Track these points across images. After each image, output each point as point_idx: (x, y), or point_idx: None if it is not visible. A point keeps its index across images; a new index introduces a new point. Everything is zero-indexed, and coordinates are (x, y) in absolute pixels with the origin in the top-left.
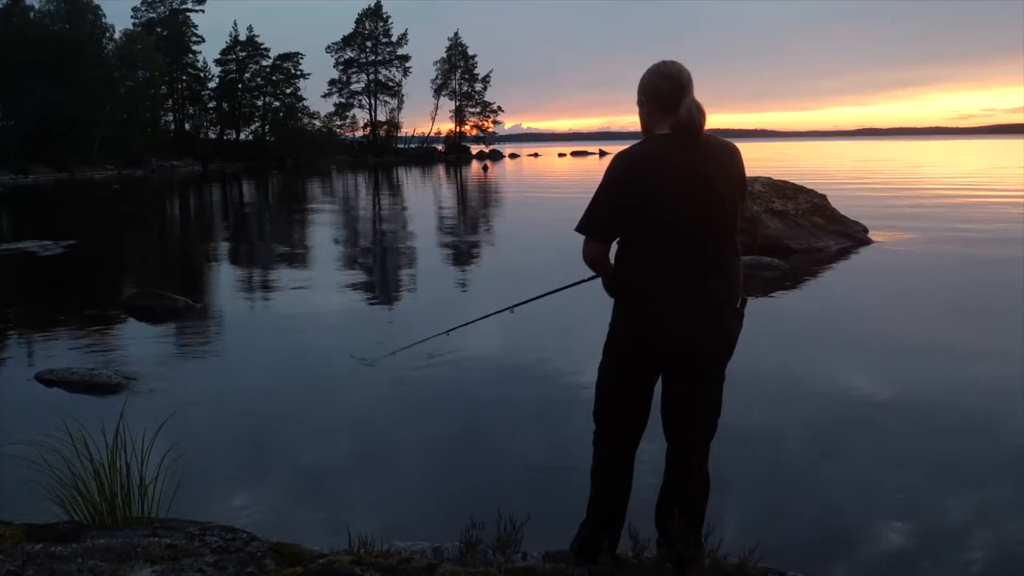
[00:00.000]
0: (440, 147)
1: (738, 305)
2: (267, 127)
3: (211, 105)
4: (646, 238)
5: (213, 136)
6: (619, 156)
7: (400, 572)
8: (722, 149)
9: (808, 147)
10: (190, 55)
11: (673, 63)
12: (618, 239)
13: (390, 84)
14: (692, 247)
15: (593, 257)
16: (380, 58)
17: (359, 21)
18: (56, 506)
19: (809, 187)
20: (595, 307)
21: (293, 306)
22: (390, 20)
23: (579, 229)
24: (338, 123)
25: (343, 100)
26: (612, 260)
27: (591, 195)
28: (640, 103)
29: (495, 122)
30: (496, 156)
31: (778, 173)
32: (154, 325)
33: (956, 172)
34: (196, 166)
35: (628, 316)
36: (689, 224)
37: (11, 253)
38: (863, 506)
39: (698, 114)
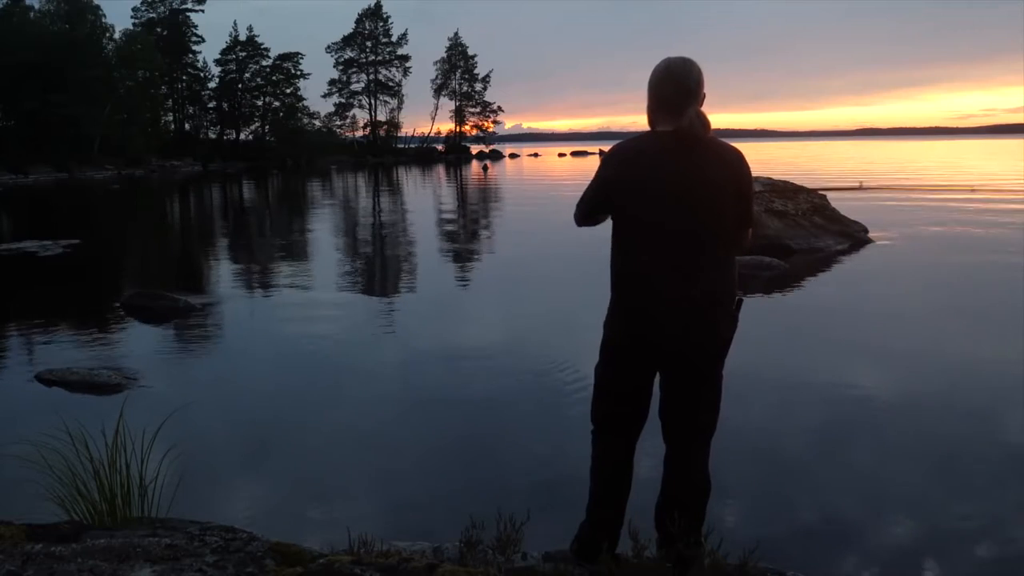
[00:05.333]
0: (440, 147)
1: (733, 306)
2: (267, 127)
3: (211, 105)
4: (635, 236)
5: (213, 136)
6: (612, 152)
7: (400, 572)
8: (722, 150)
9: (808, 147)
10: (190, 55)
11: (684, 63)
12: (613, 234)
13: (390, 84)
14: (683, 246)
15: (581, 224)
16: (380, 58)
17: (359, 21)
18: (56, 506)
19: (809, 187)
20: (595, 306)
21: (293, 306)
22: (390, 20)
23: (575, 216)
24: (338, 123)
25: (343, 100)
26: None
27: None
28: (648, 97)
29: (495, 122)
30: (496, 156)
31: (778, 173)
32: (154, 325)
33: (956, 172)
34: (196, 166)
35: (622, 315)
36: (679, 223)
37: (11, 253)
38: (863, 506)
39: (700, 126)
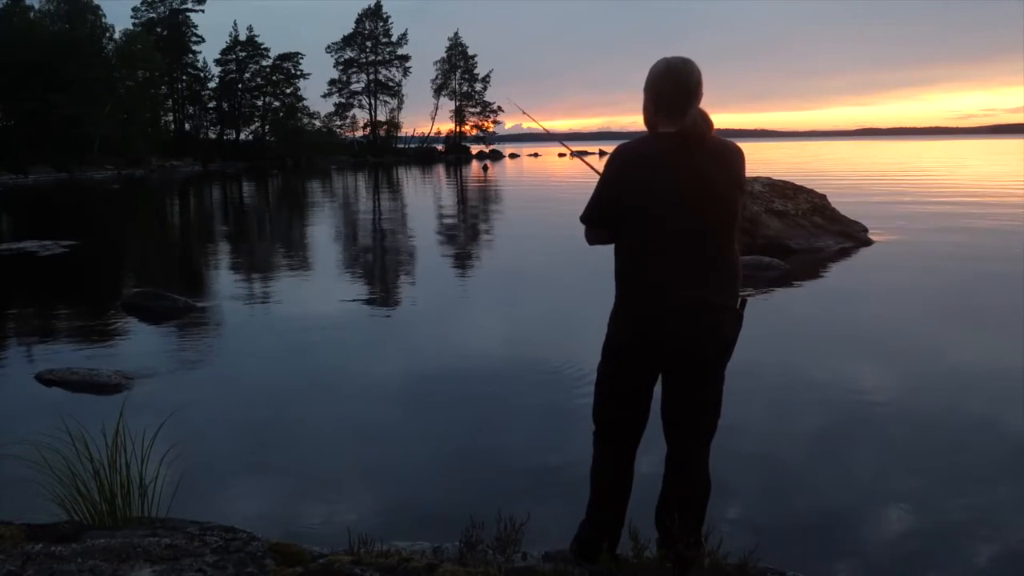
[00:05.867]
0: (440, 147)
1: (738, 306)
2: (267, 127)
3: (211, 105)
4: (640, 236)
5: (213, 136)
6: (616, 151)
7: (400, 572)
8: (723, 148)
9: (808, 147)
10: (190, 55)
11: (684, 64)
12: (618, 236)
13: (390, 84)
14: (688, 246)
15: (593, 239)
16: (380, 58)
17: (359, 21)
18: (56, 506)
19: (809, 187)
20: (596, 305)
21: (293, 305)
22: (390, 20)
23: (581, 219)
24: (338, 123)
25: (343, 100)
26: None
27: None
28: (645, 99)
29: (495, 122)
30: (496, 156)
31: (778, 173)
32: (154, 325)
33: (956, 172)
34: (196, 166)
35: (626, 315)
36: (684, 223)
37: (11, 253)
38: (864, 506)
39: (704, 125)
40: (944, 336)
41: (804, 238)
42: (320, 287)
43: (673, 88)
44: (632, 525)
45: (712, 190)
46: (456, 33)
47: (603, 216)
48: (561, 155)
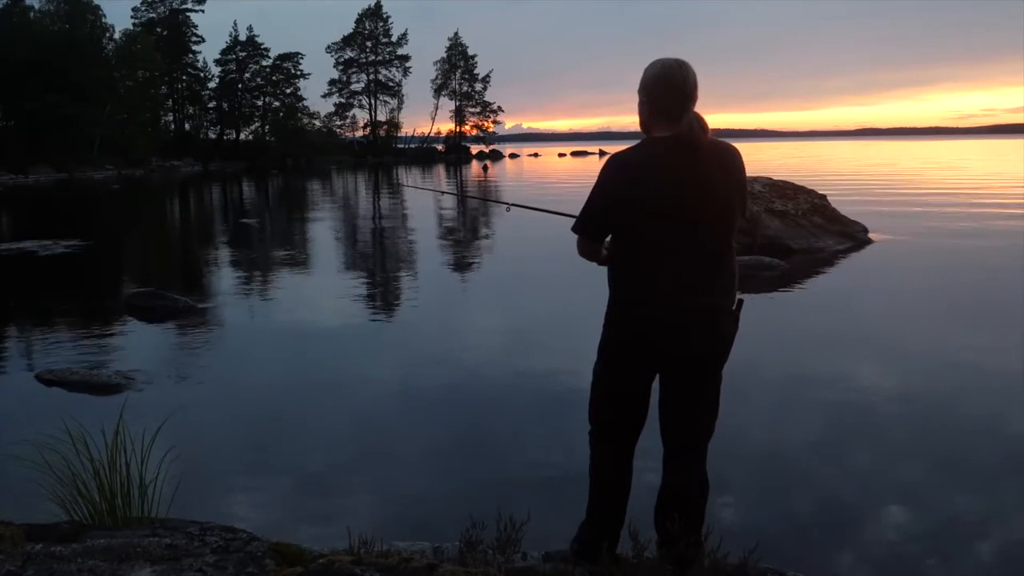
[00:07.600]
0: (440, 147)
1: (734, 307)
2: (267, 127)
3: (211, 105)
4: (640, 240)
5: (213, 136)
6: (612, 159)
7: (400, 572)
8: (721, 151)
9: (808, 147)
10: (190, 55)
11: (680, 67)
12: (615, 241)
13: (390, 84)
14: (688, 249)
15: (584, 251)
16: (380, 58)
17: (359, 21)
18: (56, 506)
19: (809, 187)
20: (594, 306)
21: (293, 306)
22: (390, 20)
23: (573, 229)
24: (338, 123)
25: (343, 100)
26: (605, 249)
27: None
28: (640, 102)
29: (495, 122)
30: (496, 156)
31: (778, 173)
32: (154, 325)
33: (956, 172)
34: (196, 166)
35: (624, 317)
36: (684, 226)
37: (11, 253)
38: (864, 505)
39: (700, 130)
40: (944, 336)
41: (804, 238)
42: (320, 287)
43: (669, 92)
44: (632, 525)
45: (711, 192)
46: (456, 33)
47: (598, 223)
48: (561, 155)
